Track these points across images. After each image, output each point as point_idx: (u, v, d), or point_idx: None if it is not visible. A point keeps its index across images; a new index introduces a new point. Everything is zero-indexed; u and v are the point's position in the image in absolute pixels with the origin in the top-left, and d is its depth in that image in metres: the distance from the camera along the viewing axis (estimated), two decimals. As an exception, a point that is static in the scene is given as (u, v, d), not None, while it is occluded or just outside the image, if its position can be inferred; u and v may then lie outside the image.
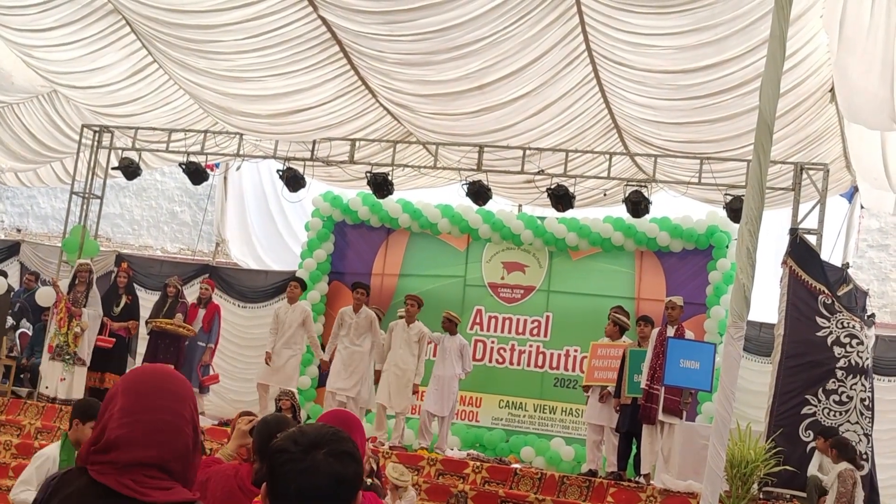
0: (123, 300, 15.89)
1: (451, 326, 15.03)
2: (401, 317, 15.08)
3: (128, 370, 15.57)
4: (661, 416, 12.71)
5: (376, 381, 14.97)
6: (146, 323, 15.82)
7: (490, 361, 17.23)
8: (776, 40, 7.81)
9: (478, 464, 13.19)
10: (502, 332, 17.34)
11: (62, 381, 15.02)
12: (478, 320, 17.40)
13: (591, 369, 14.07)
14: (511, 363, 17.20)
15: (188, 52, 14.43)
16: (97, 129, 17.42)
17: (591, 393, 13.85)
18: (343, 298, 17.60)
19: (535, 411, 16.97)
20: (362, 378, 14.99)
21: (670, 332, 13.06)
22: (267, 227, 20.35)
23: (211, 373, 16.05)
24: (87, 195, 17.61)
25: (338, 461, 2.65)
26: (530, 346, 17.19)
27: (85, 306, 15.19)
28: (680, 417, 12.89)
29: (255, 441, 5.19)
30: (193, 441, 2.98)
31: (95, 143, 17.47)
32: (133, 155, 17.32)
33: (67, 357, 14.99)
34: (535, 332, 17.21)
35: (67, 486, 2.93)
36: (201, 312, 16.04)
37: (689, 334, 13.42)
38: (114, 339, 15.44)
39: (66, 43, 15.17)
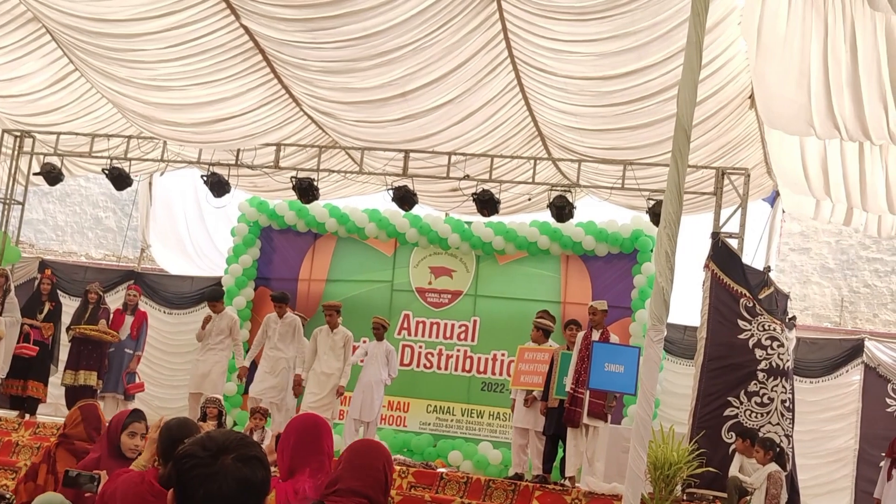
0: (47, 307, 15.63)
1: (380, 332, 14.99)
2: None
3: (51, 377, 15.42)
4: (585, 420, 12.78)
5: (297, 388, 14.87)
6: (67, 330, 15.60)
7: (418, 366, 17.24)
8: (693, 46, 7.90)
9: (403, 468, 13.17)
10: (430, 336, 17.35)
11: None
12: (405, 325, 17.40)
13: (518, 373, 14.10)
14: (439, 368, 17.23)
15: (109, 61, 14.26)
16: (18, 134, 17.18)
17: (517, 396, 13.88)
18: (270, 304, 17.53)
19: (463, 415, 17.00)
20: (286, 384, 14.95)
21: (595, 335, 13.13)
22: (192, 232, 20.19)
23: (136, 381, 15.86)
24: (8, 201, 17.36)
25: (246, 466, 2.65)
26: (458, 350, 17.23)
27: (0, 314, 14.95)
28: (605, 421, 12.96)
29: (159, 445, 5.21)
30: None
31: (16, 149, 17.23)
32: (55, 160, 17.09)
33: None
34: (462, 336, 17.25)
35: None
36: (128, 319, 15.81)
37: (613, 338, 13.50)
38: (37, 348, 15.21)
39: (-17, 53, 14.94)
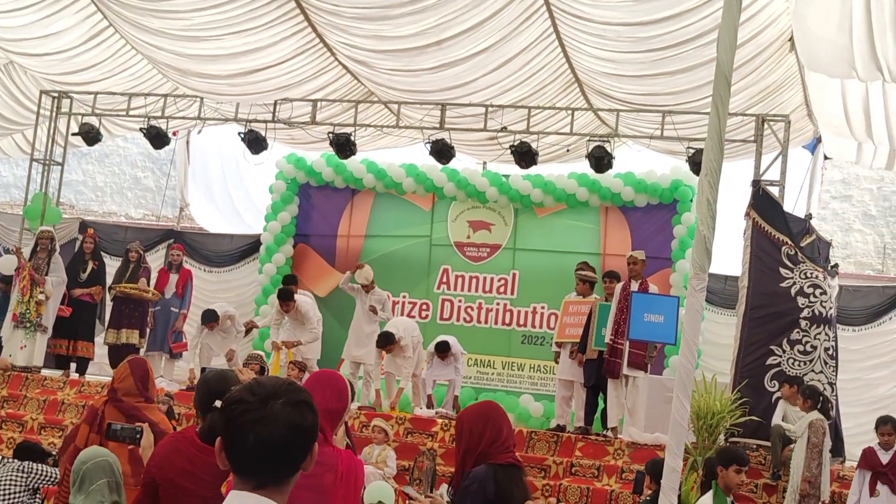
0: (90, 266, 15.70)
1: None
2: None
3: (96, 338, 15.52)
4: (625, 370, 12.75)
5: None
6: (109, 289, 15.68)
7: (458, 320, 17.25)
8: (732, -11, 7.76)
9: (446, 422, 13.21)
10: (469, 290, 17.36)
11: (22, 348, 14.91)
12: (444, 280, 17.41)
13: (563, 326, 14.07)
14: (478, 322, 17.24)
15: (142, 13, 14.24)
16: (56, 95, 17.22)
17: (563, 349, 13.83)
18: (308, 261, 17.61)
19: (504, 369, 17.02)
20: None
21: (634, 286, 13.06)
22: (230, 190, 20.21)
23: (182, 340, 15.94)
24: (47, 162, 17.42)
25: (296, 410, 2.65)
26: (497, 304, 17.23)
27: (47, 274, 15.04)
28: (645, 371, 12.93)
29: (196, 398, 5.19)
30: None
31: (55, 110, 17.27)
32: (93, 121, 17.12)
33: (29, 325, 14.88)
34: (501, 290, 17.24)
35: (502, 475, 4.85)
36: (173, 278, 15.89)
37: (652, 288, 13.43)
38: (71, 308, 15.28)
39: (18, 8, 14.86)
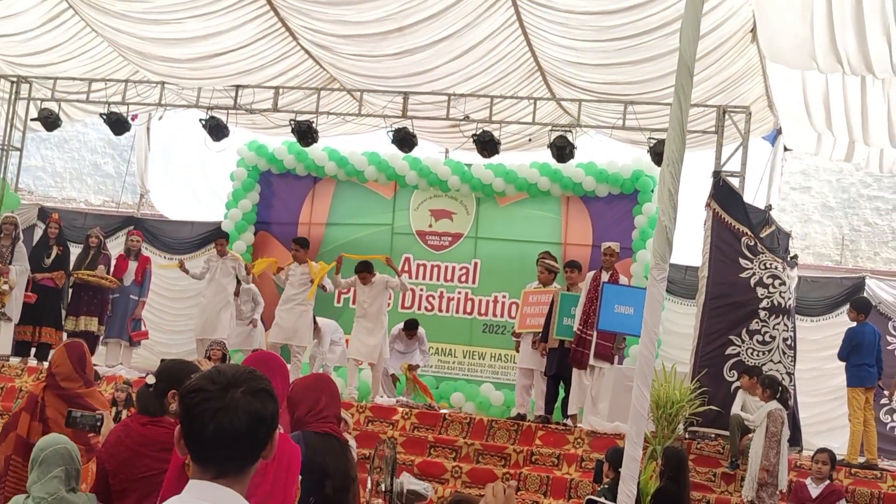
0: (55, 251, 15.49)
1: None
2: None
3: (63, 323, 15.36)
4: (592, 361, 12.75)
5: None
6: (69, 276, 15.53)
7: (419, 309, 17.24)
8: (695, -20, 7.77)
9: (407, 410, 13.22)
10: (431, 279, 17.38)
11: None
12: (406, 268, 17.39)
13: (523, 316, 14.07)
14: (440, 310, 17.27)
15: (103, -6, 14.16)
16: (14, 79, 17.04)
17: (523, 339, 13.84)
18: (269, 248, 17.54)
19: (465, 357, 17.05)
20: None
21: (605, 277, 13.07)
22: (190, 177, 20.11)
23: (142, 328, 15.80)
24: (6, 147, 17.24)
25: (256, 399, 2.62)
26: (459, 292, 17.26)
27: (10, 262, 14.84)
28: (611, 362, 12.94)
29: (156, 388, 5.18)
30: None
31: (13, 95, 17.09)
32: (53, 106, 16.95)
33: None
34: (463, 278, 17.27)
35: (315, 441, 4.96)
36: (132, 265, 15.70)
37: (623, 280, 13.46)
38: (36, 295, 15.12)
39: (-27, -11, 14.76)
